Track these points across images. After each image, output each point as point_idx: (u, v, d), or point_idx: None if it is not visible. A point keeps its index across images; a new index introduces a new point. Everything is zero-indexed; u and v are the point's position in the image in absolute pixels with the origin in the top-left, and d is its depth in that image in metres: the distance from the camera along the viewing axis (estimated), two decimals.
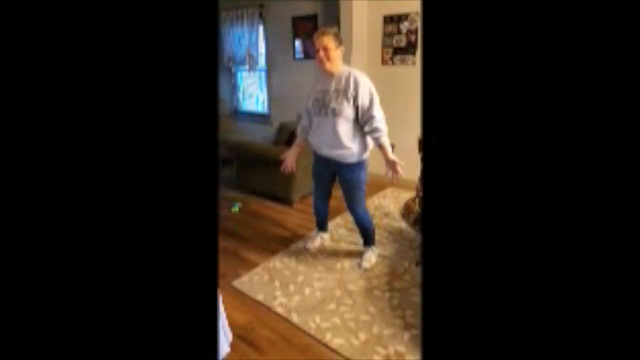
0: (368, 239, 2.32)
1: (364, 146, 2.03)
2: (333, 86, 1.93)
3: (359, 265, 2.27)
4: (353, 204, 2.17)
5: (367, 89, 1.89)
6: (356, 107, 1.90)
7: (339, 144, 1.98)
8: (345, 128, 1.94)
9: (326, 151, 2.06)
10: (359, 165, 2.07)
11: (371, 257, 2.30)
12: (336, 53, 1.89)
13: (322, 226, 2.51)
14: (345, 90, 1.89)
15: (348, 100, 1.89)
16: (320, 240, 2.52)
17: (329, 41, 1.86)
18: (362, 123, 1.93)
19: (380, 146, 1.95)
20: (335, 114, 1.92)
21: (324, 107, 1.95)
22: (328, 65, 1.89)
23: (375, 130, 1.91)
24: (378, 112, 1.90)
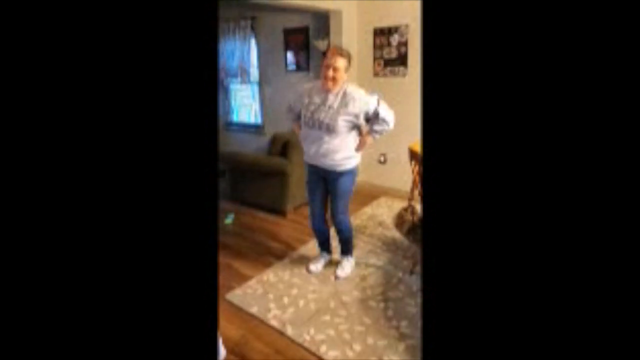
0: (346, 248, 2.36)
1: (354, 157, 2.06)
2: (329, 102, 1.95)
3: (334, 274, 2.30)
4: (338, 211, 2.19)
5: (363, 101, 1.92)
6: (364, 116, 1.97)
7: (329, 157, 2.01)
8: (336, 142, 1.97)
9: (319, 160, 2.09)
10: (349, 173, 2.09)
11: (347, 266, 2.34)
12: (344, 76, 1.93)
13: (324, 246, 2.43)
14: (340, 108, 1.92)
15: (344, 115, 1.92)
16: (324, 262, 2.43)
17: (341, 62, 1.89)
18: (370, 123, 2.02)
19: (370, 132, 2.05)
20: (329, 129, 1.94)
21: (317, 122, 1.98)
22: (331, 85, 1.91)
23: (380, 127, 2.01)
24: (384, 112, 1.97)
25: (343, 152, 2.00)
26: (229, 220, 3.15)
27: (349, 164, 2.05)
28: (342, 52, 1.92)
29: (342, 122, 1.92)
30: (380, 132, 2.02)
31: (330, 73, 1.89)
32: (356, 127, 2.00)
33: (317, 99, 2.00)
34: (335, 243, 2.45)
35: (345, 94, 1.92)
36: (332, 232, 2.40)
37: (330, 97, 1.95)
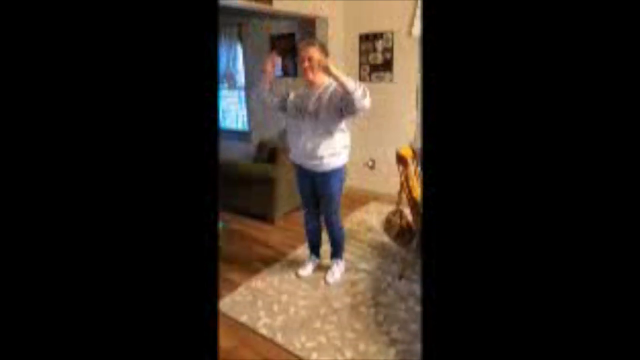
0: (337, 251, 2.35)
1: (340, 155, 2.04)
2: (316, 95, 1.95)
3: (324, 279, 2.29)
4: (329, 212, 2.18)
5: None
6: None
7: (315, 151, 1.98)
8: (322, 133, 1.95)
9: (303, 160, 2.07)
10: (336, 173, 2.07)
11: (336, 271, 2.33)
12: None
13: (314, 249, 2.44)
14: (330, 100, 1.91)
15: (329, 106, 1.90)
16: (313, 266, 2.43)
17: (314, 52, 1.89)
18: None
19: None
20: (313, 116, 1.94)
21: (302, 111, 1.97)
22: (311, 76, 1.92)
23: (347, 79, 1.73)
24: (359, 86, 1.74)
25: (326, 148, 1.97)
26: (220, 225, 3.11)
27: (334, 163, 2.02)
28: (313, 42, 1.95)
29: (325, 110, 1.91)
30: (345, 80, 1.71)
31: (307, 63, 1.90)
32: (341, 121, 1.94)
33: (304, 93, 2.01)
34: (325, 247, 2.44)
35: (334, 88, 1.92)
36: (324, 235, 2.40)
37: (321, 92, 1.96)
